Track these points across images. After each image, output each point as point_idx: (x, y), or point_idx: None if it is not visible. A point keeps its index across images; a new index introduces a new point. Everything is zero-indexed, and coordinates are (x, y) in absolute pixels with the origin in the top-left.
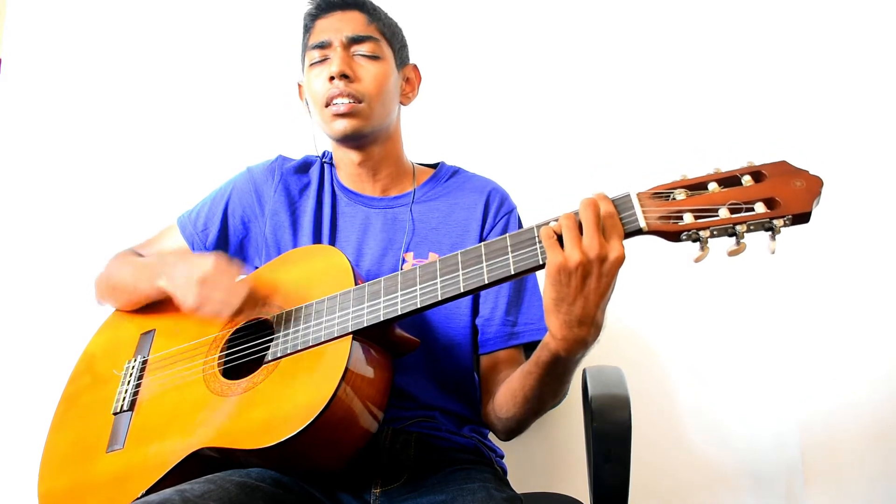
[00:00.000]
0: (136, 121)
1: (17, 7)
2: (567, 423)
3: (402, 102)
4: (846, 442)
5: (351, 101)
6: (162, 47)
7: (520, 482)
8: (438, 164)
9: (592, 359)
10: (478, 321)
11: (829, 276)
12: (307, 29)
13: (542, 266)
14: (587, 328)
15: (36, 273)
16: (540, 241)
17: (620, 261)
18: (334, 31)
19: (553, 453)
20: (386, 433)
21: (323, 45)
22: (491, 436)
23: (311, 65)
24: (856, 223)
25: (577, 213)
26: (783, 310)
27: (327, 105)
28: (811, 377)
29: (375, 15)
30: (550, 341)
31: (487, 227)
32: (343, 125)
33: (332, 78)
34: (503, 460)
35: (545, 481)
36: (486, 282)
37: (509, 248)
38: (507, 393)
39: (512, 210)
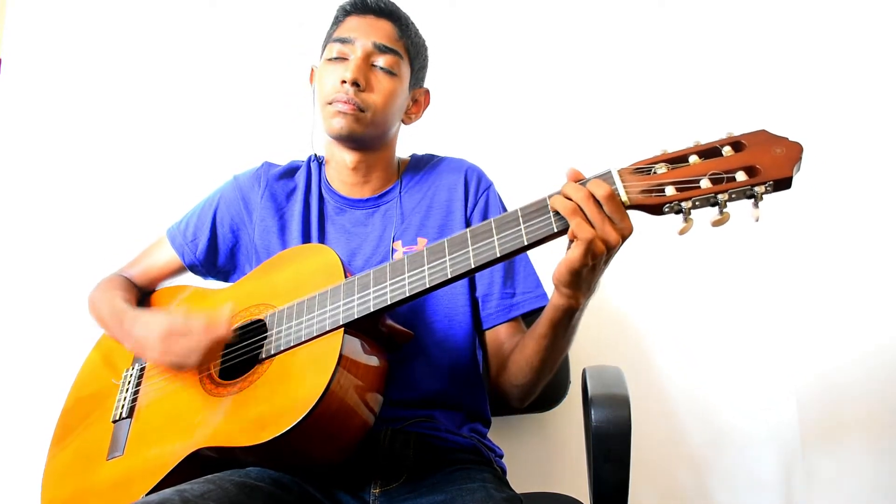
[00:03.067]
0: (127, 126)
1: (17, 7)
2: (567, 423)
3: (403, 121)
4: (846, 441)
5: (355, 107)
6: (158, 51)
7: (520, 482)
8: (411, 155)
9: (592, 359)
10: (476, 295)
11: (829, 276)
12: (337, 21)
13: (525, 248)
14: (593, 283)
15: (35, 276)
16: (526, 234)
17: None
18: (362, 34)
19: (553, 453)
20: (385, 433)
21: (346, 42)
22: (490, 435)
23: (329, 59)
24: (856, 219)
25: (567, 196)
26: (782, 308)
27: (330, 103)
28: (811, 376)
29: (406, 31)
30: (563, 301)
31: (470, 205)
32: (340, 124)
33: (344, 81)
34: (502, 460)
35: (545, 481)
36: (473, 266)
37: (494, 231)
38: (521, 360)
39: (489, 186)
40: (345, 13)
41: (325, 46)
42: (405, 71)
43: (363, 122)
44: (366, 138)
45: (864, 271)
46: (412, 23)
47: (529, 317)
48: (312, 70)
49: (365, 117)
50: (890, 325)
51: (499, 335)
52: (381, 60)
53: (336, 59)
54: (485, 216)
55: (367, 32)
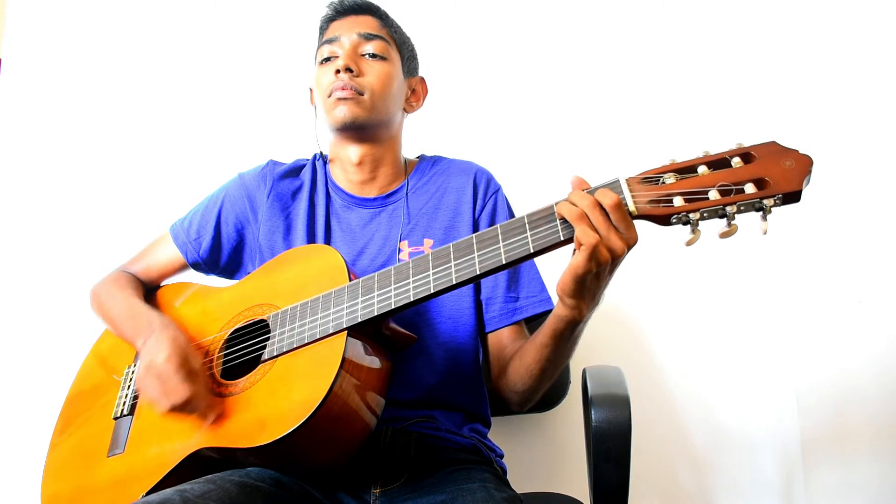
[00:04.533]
0: (131, 123)
1: (17, 7)
2: (567, 423)
3: (405, 110)
4: (847, 442)
5: (353, 91)
6: (160, 50)
7: (520, 482)
8: (420, 156)
9: (592, 359)
10: (480, 297)
11: (830, 277)
12: (322, 30)
13: (531, 255)
14: (598, 293)
15: (38, 274)
16: (532, 241)
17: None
18: (346, 30)
19: (553, 453)
20: (385, 433)
21: (332, 41)
22: (490, 435)
23: (321, 61)
24: (858, 220)
25: (573, 203)
26: (783, 308)
27: (329, 96)
28: (812, 376)
29: (387, 21)
30: (567, 312)
31: (478, 207)
32: (343, 111)
33: (337, 71)
34: (503, 460)
35: (545, 481)
36: (478, 272)
37: (500, 238)
38: (521, 368)
39: (498, 189)
40: (328, 21)
41: (315, 61)
42: (395, 56)
43: (364, 105)
44: (369, 125)
45: (865, 273)
46: (390, 15)
47: (533, 321)
48: (311, 91)
49: (364, 101)
50: (891, 326)
51: (501, 338)
52: (370, 47)
53: (327, 59)
54: (492, 219)
55: (350, 28)
